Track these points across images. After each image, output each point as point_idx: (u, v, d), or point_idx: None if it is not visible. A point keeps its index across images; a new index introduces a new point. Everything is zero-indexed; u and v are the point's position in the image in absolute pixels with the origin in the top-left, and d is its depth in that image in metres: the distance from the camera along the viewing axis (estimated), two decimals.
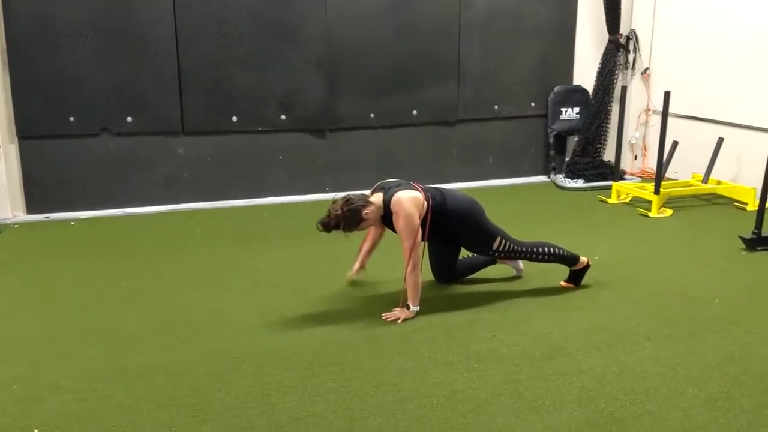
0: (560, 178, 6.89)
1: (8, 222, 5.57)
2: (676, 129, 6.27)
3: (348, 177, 6.30)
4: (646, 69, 7.06)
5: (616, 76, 7.00)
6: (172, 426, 2.69)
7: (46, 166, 5.71)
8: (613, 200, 6.14)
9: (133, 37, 5.68)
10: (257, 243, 5.05)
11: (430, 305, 3.75)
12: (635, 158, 7.38)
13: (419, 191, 3.69)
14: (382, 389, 2.95)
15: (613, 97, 7.00)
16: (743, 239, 4.78)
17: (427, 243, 3.91)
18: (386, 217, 3.69)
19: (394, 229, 3.69)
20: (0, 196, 5.56)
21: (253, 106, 6.09)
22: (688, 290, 4.04)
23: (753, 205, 5.66)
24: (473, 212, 3.83)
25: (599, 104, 6.99)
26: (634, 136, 7.27)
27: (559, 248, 4.00)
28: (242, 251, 4.84)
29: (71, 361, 3.22)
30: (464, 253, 4.13)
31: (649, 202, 5.74)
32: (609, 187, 6.29)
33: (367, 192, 3.81)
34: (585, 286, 4.09)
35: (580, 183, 6.73)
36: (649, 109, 7.15)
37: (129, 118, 5.80)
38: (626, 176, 6.95)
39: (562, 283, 4.10)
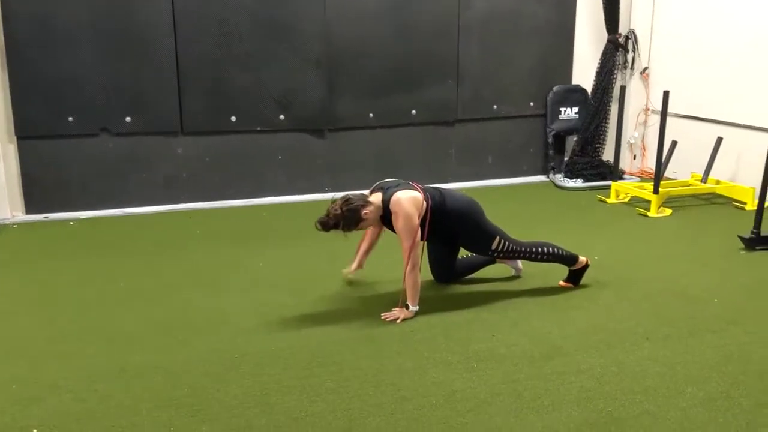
0: (559, 178, 6.89)
1: (7, 222, 5.56)
2: (675, 128, 6.28)
3: (347, 177, 6.30)
4: (645, 69, 7.07)
5: (615, 76, 7.00)
6: (171, 426, 2.69)
7: (45, 166, 5.71)
8: (612, 200, 6.14)
9: (132, 37, 5.68)
10: (256, 243, 5.05)
11: (429, 305, 3.76)
12: (634, 158, 7.38)
13: (418, 191, 3.69)
14: (381, 389, 2.95)
15: (612, 96, 7.00)
16: (742, 239, 4.79)
17: (426, 243, 3.91)
18: (385, 217, 3.69)
19: (393, 229, 3.69)
20: None
21: (252, 106, 6.09)
22: (687, 290, 4.04)
23: (752, 205, 5.66)
24: (472, 212, 3.83)
25: (598, 104, 6.99)
26: (633, 135, 7.27)
27: (558, 248, 4.00)
28: (241, 251, 4.84)
29: (70, 361, 3.22)
30: (463, 252, 4.14)
31: (648, 201, 5.74)
32: (608, 187, 6.30)
33: (366, 192, 3.81)
34: (584, 286, 4.09)
35: (579, 183, 6.74)
36: (648, 109, 7.15)
37: (128, 118, 5.80)
38: (625, 176, 6.95)
39: (561, 282, 4.11)
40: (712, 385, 2.96)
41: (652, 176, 6.02)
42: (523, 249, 3.91)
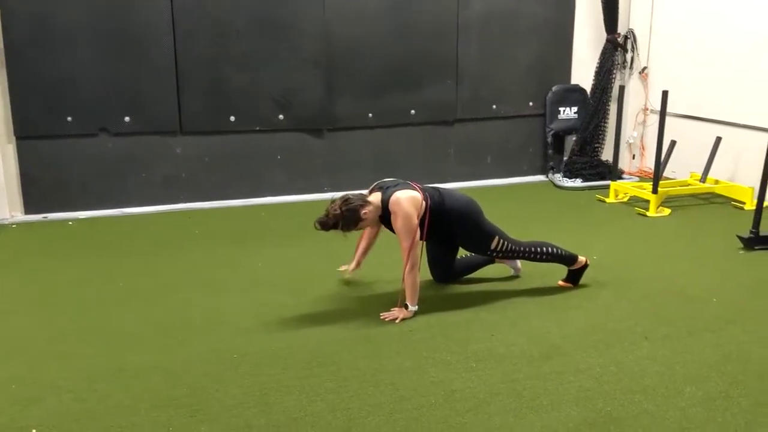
0: (558, 178, 6.89)
1: (6, 222, 5.56)
2: (673, 128, 6.28)
3: (346, 177, 6.30)
4: (644, 68, 7.07)
5: (614, 76, 7.01)
6: (170, 426, 2.69)
7: (44, 166, 5.71)
8: (611, 199, 6.14)
9: (131, 37, 5.68)
10: (255, 243, 5.05)
11: (428, 305, 3.76)
12: (633, 157, 7.38)
13: (417, 191, 3.69)
14: (381, 389, 2.95)
15: (611, 96, 7.01)
16: (741, 238, 4.79)
17: (425, 243, 3.92)
18: (385, 217, 3.69)
19: (392, 229, 3.69)
20: None
21: (251, 106, 6.09)
22: (686, 289, 4.04)
23: (751, 205, 5.67)
24: (471, 212, 3.83)
25: (597, 104, 7.00)
26: (632, 135, 7.28)
27: (557, 248, 4.00)
28: (240, 251, 4.84)
29: (69, 361, 3.21)
30: (462, 252, 4.14)
31: (647, 201, 5.75)
32: (607, 187, 6.30)
33: (365, 192, 3.81)
34: (583, 286, 4.09)
35: (578, 182, 6.74)
36: (647, 109, 7.16)
37: (127, 118, 5.80)
38: (624, 175, 6.96)
39: (560, 282, 4.11)
40: (711, 384, 2.96)
41: (651, 176, 6.02)
42: (522, 249, 3.91)
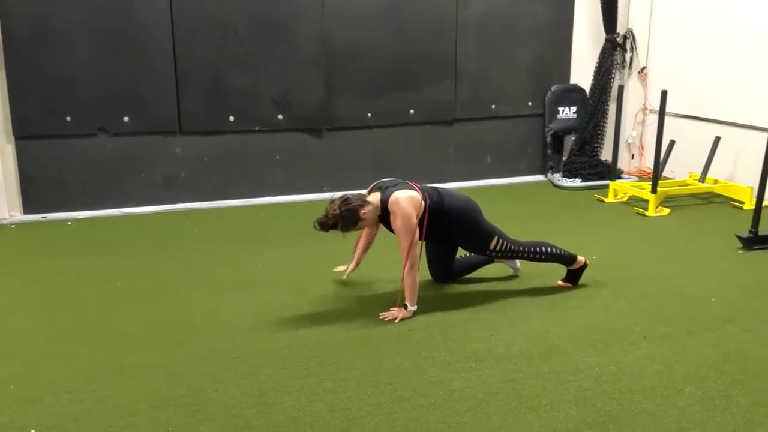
0: (557, 178, 6.89)
1: (5, 222, 5.56)
2: (673, 128, 6.28)
3: (345, 176, 6.31)
4: (643, 68, 7.07)
5: (613, 76, 7.01)
6: (169, 426, 2.69)
7: (43, 166, 5.71)
8: (610, 199, 6.14)
9: (130, 37, 5.68)
10: (254, 243, 5.05)
11: (427, 305, 3.76)
12: (632, 157, 7.38)
13: (416, 191, 3.69)
14: (380, 389, 2.95)
15: (610, 96, 7.01)
16: (740, 238, 4.79)
17: (424, 242, 3.92)
18: (384, 217, 3.69)
19: (391, 229, 3.69)
20: None
21: (251, 106, 6.09)
22: (685, 289, 4.04)
23: (750, 204, 5.67)
24: (470, 211, 3.83)
25: (596, 103, 7.00)
26: (631, 135, 7.28)
27: (557, 248, 4.00)
28: (239, 251, 4.84)
29: (68, 361, 3.21)
30: (461, 252, 4.14)
31: (646, 201, 5.75)
32: (606, 187, 6.30)
33: (364, 192, 3.81)
34: (582, 286, 4.09)
35: (577, 182, 6.74)
36: (646, 108, 7.16)
37: (126, 118, 5.80)
38: (623, 175, 6.96)
39: (560, 282, 4.11)
40: (710, 384, 2.97)
41: (650, 176, 6.03)
42: (521, 249, 3.91)
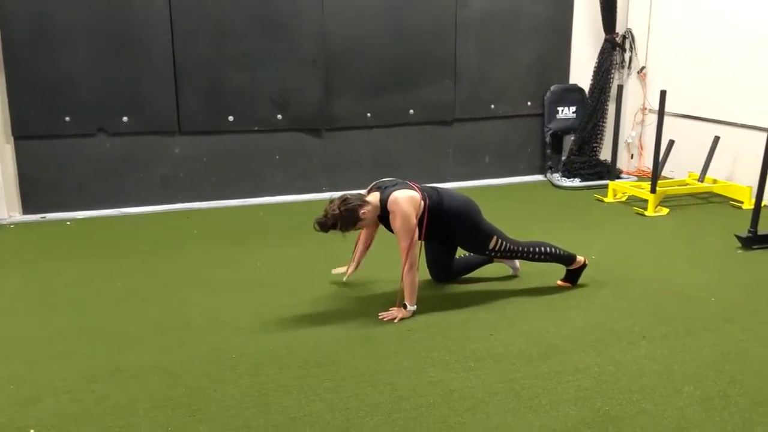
0: (557, 177, 6.90)
1: (4, 222, 5.56)
2: (672, 128, 6.28)
3: (344, 176, 6.31)
4: (642, 68, 7.07)
5: (612, 75, 7.01)
6: (168, 426, 2.69)
7: (42, 166, 5.70)
8: (609, 199, 6.15)
9: (129, 37, 5.67)
10: (254, 243, 5.04)
11: (426, 304, 3.76)
12: (631, 157, 7.39)
13: (416, 190, 3.69)
14: (379, 389, 2.95)
15: (609, 96, 7.02)
16: (739, 238, 4.79)
17: (423, 242, 3.91)
18: (383, 217, 3.69)
19: (390, 229, 3.69)
20: None
21: (250, 106, 6.09)
22: (685, 289, 4.04)
23: (749, 204, 5.68)
24: (469, 211, 3.83)
25: (595, 103, 7.00)
26: (631, 135, 7.28)
27: (556, 247, 4.00)
28: (238, 251, 4.84)
29: (68, 361, 3.21)
30: (461, 252, 4.14)
31: (646, 200, 5.75)
32: (605, 186, 6.30)
33: (363, 191, 3.81)
34: (581, 285, 4.09)
35: (576, 182, 6.74)
36: (645, 108, 7.16)
37: (125, 118, 5.80)
38: (622, 175, 6.96)
39: (559, 282, 4.11)
40: (709, 383, 2.97)
41: (650, 175, 6.03)
42: (520, 249, 3.91)
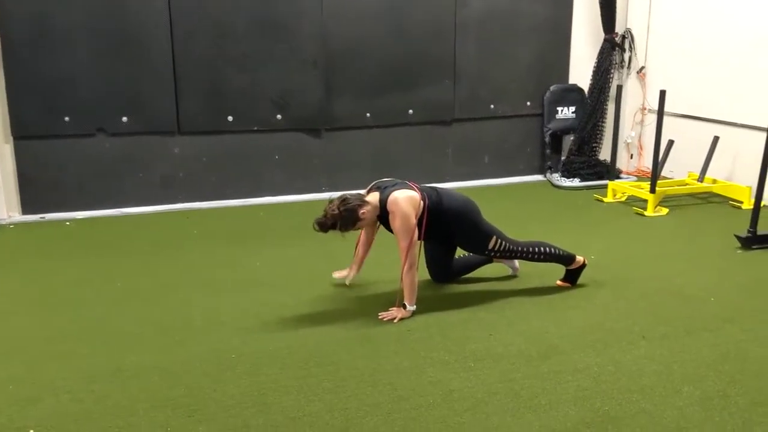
0: (556, 177, 6.90)
1: (4, 222, 5.56)
2: (671, 128, 6.29)
3: (344, 176, 6.31)
4: (642, 68, 7.08)
5: (611, 75, 7.01)
6: (167, 426, 2.69)
7: (42, 167, 5.70)
8: (608, 199, 6.15)
9: (129, 37, 5.67)
10: (253, 243, 5.05)
11: (426, 304, 3.76)
12: (631, 157, 7.39)
13: (415, 190, 3.69)
14: (379, 389, 2.95)
15: (608, 96, 7.02)
16: (739, 238, 4.80)
17: (423, 242, 3.92)
18: (383, 217, 3.69)
19: (390, 229, 3.69)
20: None
21: (249, 106, 6.09)
22: (684, 289, 4.05)
23: (748, 204, 5.68)
24: (469, 211, 3.83)
25: (595, 103, 7.00)
26: (630, 135, 7.29)
27: (555, 247, 4.01)
28: (238, 251, 4.84)
29: (68, 361, 3.21)
30: (460, 252, 4.14)
31: (645, 200, 5.75)
32: (605, 186, 6.31)
33: (362, 191, 3.81)
34: (581, 285, 4.09)
35: (575, 182, 6.74)
36: (645, 108, 7.16)
37: (124, 118, 5.80)
38: (622, 175, 6.97)
39: (559, 282, 4.11)
40: (709, 383, 2.97)
41: (649, 175, 6.03)
42: (519, 249, 3.92)
